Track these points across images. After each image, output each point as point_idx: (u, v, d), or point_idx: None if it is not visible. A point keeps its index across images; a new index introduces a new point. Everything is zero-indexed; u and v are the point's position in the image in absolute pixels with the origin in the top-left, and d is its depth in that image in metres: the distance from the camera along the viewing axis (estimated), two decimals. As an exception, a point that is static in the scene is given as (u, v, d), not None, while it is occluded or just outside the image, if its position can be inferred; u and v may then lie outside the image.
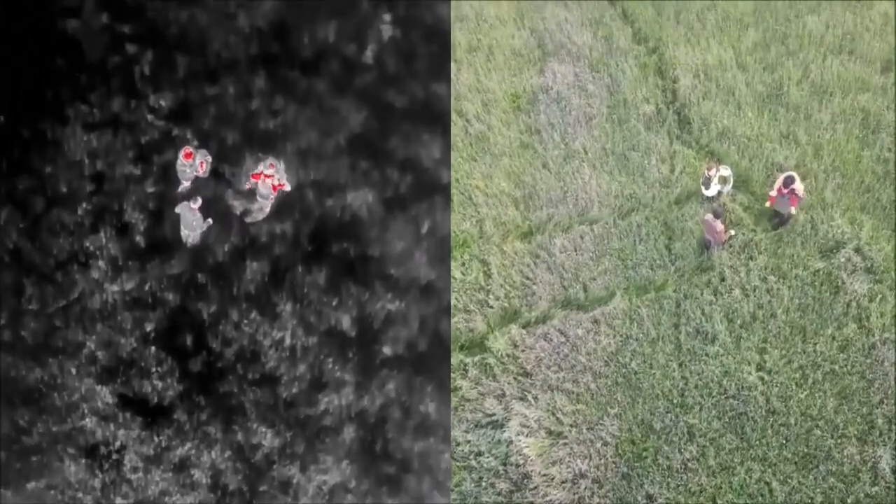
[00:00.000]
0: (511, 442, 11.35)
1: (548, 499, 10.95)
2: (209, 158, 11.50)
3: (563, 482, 11.17)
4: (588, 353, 12.35)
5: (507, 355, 12.18)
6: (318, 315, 11.14)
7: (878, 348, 12.22)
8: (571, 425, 11.74)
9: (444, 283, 11.40)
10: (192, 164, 11.29)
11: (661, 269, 13.35)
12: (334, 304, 11.19)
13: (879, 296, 12.66)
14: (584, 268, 13.26)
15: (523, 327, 12.62)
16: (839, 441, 11.53)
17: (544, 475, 11.15)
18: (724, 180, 13.58)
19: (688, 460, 11.51)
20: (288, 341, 11.09)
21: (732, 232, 13.22)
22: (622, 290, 13.11)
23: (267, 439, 10.77)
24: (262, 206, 11.60)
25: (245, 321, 11.15)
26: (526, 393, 11.91)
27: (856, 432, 11.58)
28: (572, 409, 11.85)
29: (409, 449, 10.78)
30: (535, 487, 11.08)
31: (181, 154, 11.30)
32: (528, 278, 13.13)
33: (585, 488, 11.17)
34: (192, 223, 11.12)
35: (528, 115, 15.11)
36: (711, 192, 13.61)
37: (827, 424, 11.66)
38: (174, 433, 10.82)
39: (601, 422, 11.82)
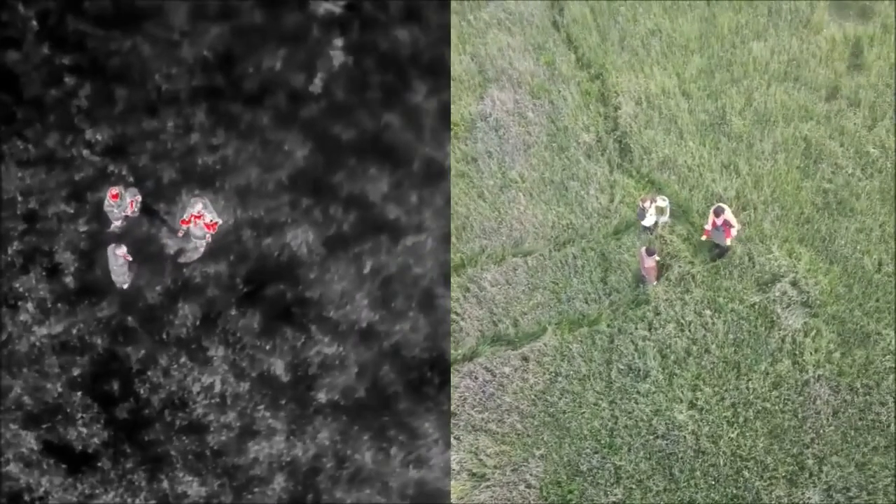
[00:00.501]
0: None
1: (466, 546, 10.76)
2: (139, 198, 11.31)
3: (482, 528, 10.98)
4: (515, 392, 12.19)
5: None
6: (250, 360, 10.99)
7: (811, 385, 12.14)
8: (495, 467, 11.57)
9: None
10: (121, 203, 11.09)
11: (596, 303, 13.22)
12: (268, 348, 11.03)
13: (814, 331, 12.59)
14: (516, 302, 13.11)
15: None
16: (768, 483, 11.42)
17: (463, 521, 10.97)
18: (660, 210, 13.40)
19: (613, 503, 11.35)
20: (218, 387, 10.94)
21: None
22: (554, 324, 12.97)
23: (193, 489, 10.59)
24: (197, 246, 11.44)
25: (174, 366, 11.01)
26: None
27: (785, 473, 11.47)
28: (496, 450, 11.68)
29: (342, 500, 10.56)
30: (454, 533, 10.89)
31: (108, 194, 11.11)
32: (456, 313, 12.96)
33: (506, 534, 10.99)
34: (116, 270, 10.96)
35: (464, 143, 14.98)
36: (648, 222, 13.45)
37: (756, 465, 11.55)
38: (98, 481, 10.66)
39: (526, 463, 11.65)
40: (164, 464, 10.65)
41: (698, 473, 11.52)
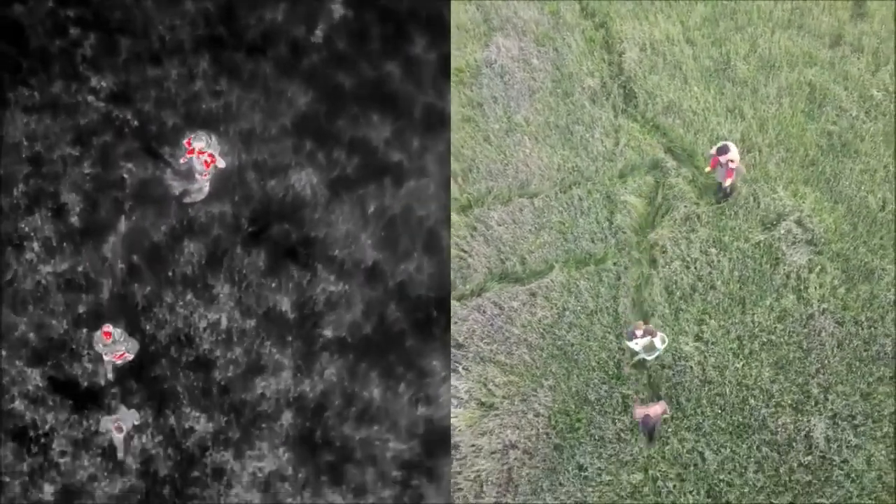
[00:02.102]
0: (440, 412, 11.57)
1: (475, 469, 11.20)
2: (130, 356, 10.91)
3: (492, 453, 11.43)
4: (523, 326, 12.63)
5: (440, 327, 12.41)
6: (256, 297, 11.29)
7: (815, 318, 12.60)
8: (503, 397, 12.00)
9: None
10: (112, 347, 10.74)
11: (602, 242, 13.66)
12: (273, 286, 11.35)
13: (819, 267, 13.05)
14: (523, 240, 13.54)
15: (457, 300, 12.88)
16: (774, 410, 11.88)
17: (473, 446, 11.41)
18: (650, 348, 11.83)
19: (621, 430, 11.82)
20: (224, 324, 11.24)
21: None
22: (561, 263, 13.41)
23: (200, 424, 10.90)
24: (202, 187, 11.74)
25: (180, 303, 11.29)
26: (457, 364, 12.16)
27: (791, 401, 11.94)
28: (505, 380, 12.12)
29: (351, 437, 10.86)
30: (464, 458, 11.33)
31: (101, 331, 10.67)
32: (463, 251, 13.40)
33: (515, 459, 11.44)
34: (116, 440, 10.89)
35: (470, 88, 15.40)
36: (632, 345, 11.96)
37: (762, 393, 12.01)
38: (102, 415, 10.94)
39: (534, 393, 12.09)
40: (171, 399, 10.97)
41: (704, 402, 11.98)
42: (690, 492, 11.23)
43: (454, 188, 14.17)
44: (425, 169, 11.49)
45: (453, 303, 12.82)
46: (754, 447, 11.59)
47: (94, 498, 10.61)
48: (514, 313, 12.70)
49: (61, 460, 10.73)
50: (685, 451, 11.59)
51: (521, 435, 11.59)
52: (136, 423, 10.76)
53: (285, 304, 11.20)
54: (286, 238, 11.44)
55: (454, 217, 13.79)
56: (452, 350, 12.31)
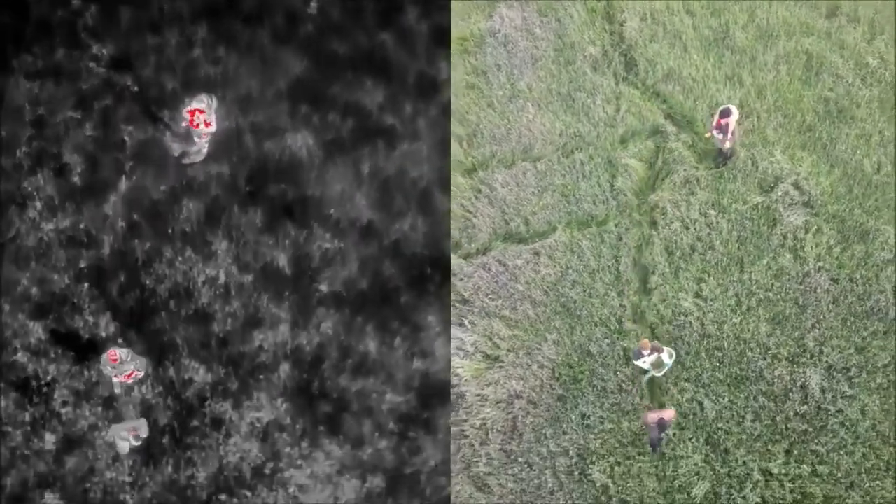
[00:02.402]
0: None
1: (481, 417, 11.59)
2: (140, 373, 11.01)
3: (497, 402, 11.83)
4: (527, 283, 13.02)
5: (446, 283, 12.81)
6: (253, 253, 11.53)
7: (811, 276, 12.99)
8: (508, 350, 12.40)
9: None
10: (120, 369, 10.78)
11: (604, 205, 14.05)
12: (270, 242, 11.59)
13: (815, 227, 13.44)
14: (526, 202, 13.92)
15: (463, 258, 13.27)
16: (770, 363, 12.29)
17: (479, 395, 11.81)
18: (658, 364, 11.93)
19: (622, 382, 12.22)
20: (222, 279, 11.53)
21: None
22: (563, 224, 13.79)
23: (199, 375, 11.15)
24: (200, 149, 12.04)
25: (179, 259, 11.57)
26: (463, 319, 12.55)
27: (787, 354, 12.34)
28: (509, 334, 12.51)
29: (347, 389, 11.13)
30: (469, 406, 11.73)
31: (107, 355, 10.67)
32: (468, 211, 13.78)
33: (520, 408, 11.84)
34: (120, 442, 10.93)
35: (474, 57, 15.76)
36: (640, 363, 12.06)
37: (759, 347, 12.42)
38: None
39: (538, 347, 12.49)
40: (170, 351, 11.21)
41: (703, 355, 12.39)
42: (690, 439, 11.63)
43: (459, 152, 14.55)
44: (418, 133, 11.73)
45: (459, 261, 13.22)
46: (751, 397, 11.99)
47: (94, 447, 10.87)
48: (518, 271, 13.09)
49: (63, 410, 10.99)
50: (685, 400, 11.99)
51: (526, 385, 11.99)
52: (145, 434, 10.90)
53: (282, 260, 11.44)
54: (283, 197, 11.63)
55: (460, 179, 14.17)
56: (458, 305, 12.71)
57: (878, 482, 11.24)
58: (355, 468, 10.79)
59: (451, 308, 12.73)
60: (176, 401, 11.15)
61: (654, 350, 11.62)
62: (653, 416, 11.36)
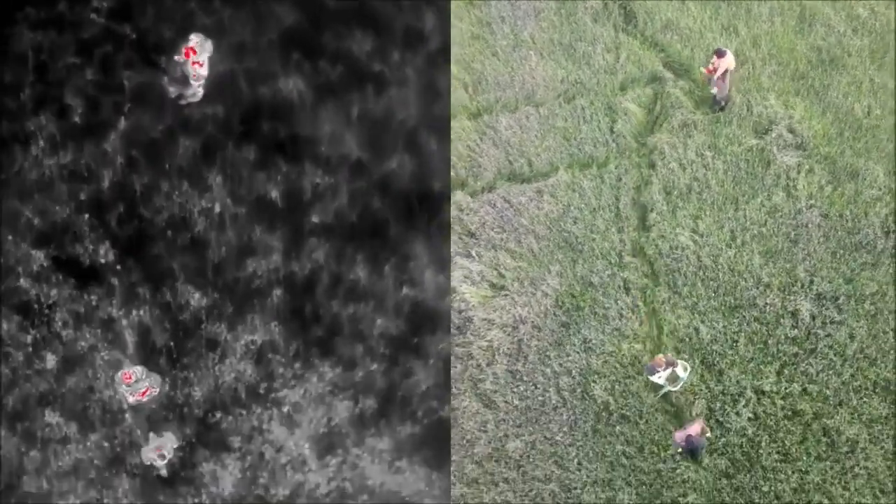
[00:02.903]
0: (454, 290, 12.61)
1: (487, 339, 12.23)
2: (156, 390, 11.25)
3: (503, 326, 12.47)
4: (531, 218, 13.66)
5: (453, 217, 13.43)
6: (247, 188, 11.67)
7: (803, 213, 13.65)
8: (514, 280, 13.04)
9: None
10: (134, 387, 11.03)
11: (604, 147, 14.69)
12: (263, 177, 11.71)
13: (807, 167, 14.09)
14: (529, 144, 14.55)
15: (470, 195, 13.91)
16: (763, 291, 12.96)
17: (485, 319, 12.45)
18: (673, 378, 11.98)
19: (622, 309, 12.88)
20: (217, 209, 11.68)
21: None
22: (565, 165, 14.43)
23: (195, 300, 11.46)
24: (196, 92, 12.50)
25: (176, 192, 11.70)
26: (470, 250, 13.20)
27: (778, 284, 13.00)
28: (514, 265, 13.16)
29: (339, 314, 11.37)
30: (476, 330, 12.38)
31: (121, 375, 11.00)
32: (474, 152, 14.41)
33: (524, 332, 12.49)
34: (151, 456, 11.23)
35: (479, 9, 16.35)
36: (655, 379, 12.02)
37: (752, 277, 13.07)
38: (105, 293, 11.46)
39: (542, 278, 13.13)
40: (167, 277, 11.52)
41: (699, 285, 13.04)
42: (686, 360, 12.29)
43: (465, 97, 15.16)
44: (406, 79, 11.95)
45: (466, 197, 13.86)
46: (745, 323, 12.65)
47: (94, 367, 11.28)
48: (522, 208, 13.73)
49: (63, 332, 11.39)
50: (682, 326, 12.65)
51: (531, 311, 12.64)
52: (175, 446, 11.16)
53: (274, 193, 11.70)
54: (275, 135, 11.83)
55: (465, 123, 14.80)
56: (465, 238, 13.35)
57: (864, 400, 11.90)
58: (348, 389, 11.21)
59: (459, 240, 13.41)
60: (173, 323, 11.46)
61: (668, 365, 11.62)
62: (680, 436, 11.22)
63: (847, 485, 11.20)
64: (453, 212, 13.60)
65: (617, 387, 12.12)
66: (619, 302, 12.91)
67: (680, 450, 11.40)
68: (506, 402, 12.00)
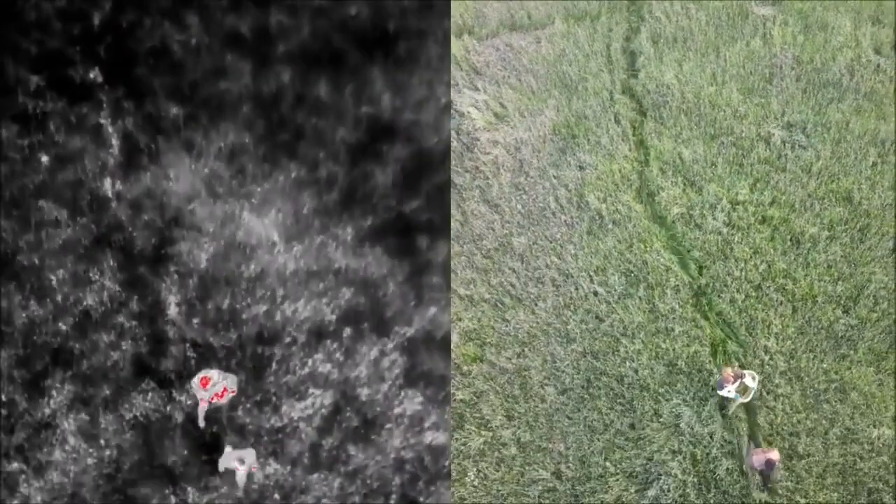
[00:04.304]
0: (463, 114, 14.23)
1: (493, 155, 13.88)
2: (234, 390, 11.46)
3: (506, 146, 14.11)
4: (530, 60, 15.23)
5: (460, 57, 15.00)
6: (219, 25, 12.06)
7: (778, 56, 15.29)
8: (515, 111, 14.65)
9: None
10: (211, 390, 11.34)
11: (596, 3, 16.22)
12: (234, 17, 12.18)
13: (781, 19, 15.70)
14: (528, -1, 16.11)
15: (476, 40, 15.47)
16: (740, 121, 14.61)
17: (491, 140, 14.07)
18: (744, 390, 11.71)
19: (613, 136, 14.53)
20: (193, 42, 12.08)
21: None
22: (561, 17, 15.97)
23: (174, 111, 12.11)
24: None
25: (158, 27, 12.90)
26: (475, 83, 14.78)
27: (754, 115, 14.66)
28: (516, 98, 14.75)
29: (303, 124, 11.86)
30: (483, 148, 14.01)
31: (197, 379, 11.43)
32: (479, 3, 15.92)
33: (525, 153, 14.14)
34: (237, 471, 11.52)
35: None
36: (725, 394, 11.76)
37: (730, 110, 14.73)
38: (93, 106, 12.19)
39: (541, 111, 14.75)
40: (149, 93, 12.06)
41: (682, 117, 14.68)
42: (671, 178, 13.98)
43: (469, -42, 16.67)
44: None
45: (473, 41, 15.41)
46: (723, 147, 14.33)
47: (83, 164, 12.04)
48: (522, 51, 15.29)
49: (56, 136, 12.12)
50: (666, 151, 14.32)
51: (531, 136, 14.28)
52: (254, 461, 11.40)
53: (244, 28, 12.12)
54: None
55: (470, -22, 16.32)
56: (472, 73, 14.93)
57: (826, 207, 13.62)
58: (312, 184, 12.00)
59: (466, 75, 14.97)
60: (154, 129, 12.20)
61: (736, 378, 11.52)
62: (759, 459, 11.03)
63: (808, 271, 13.00)
64: (460, 52, 15.15)
65: (609, 198, 13.81)
66: (610, 131, 14.56)
67: (752, 471, 11.25)
68: (510, 207, 13.67)
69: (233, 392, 11.36)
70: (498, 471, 11.20)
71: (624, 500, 10.77)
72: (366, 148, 12.40)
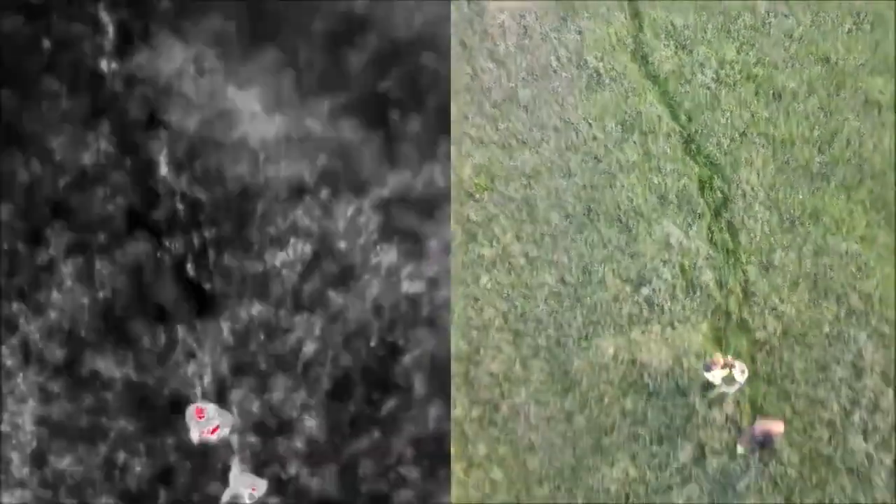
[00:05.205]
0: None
1: (498, 21, 15.19)
2: (226, 430, 11.30)
3: (511, 13, 15.40)
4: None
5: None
6: None
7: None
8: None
9: None
10: (206, 424, 11.22)
11: None
12: None
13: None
14: None
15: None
16: None
17: (498, 8, 15.36)
18: (729, 379, 11.88)
19: (610, 6, 15.79)
20: None
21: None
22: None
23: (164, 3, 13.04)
24: None
25: None
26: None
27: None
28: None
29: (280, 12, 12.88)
30: (489, 13, 15.31)
31: (192, 409, 11.26)
32: None
33: (529, 20, 15.42)
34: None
35: None
36: (709, 376, 11.93)
37: None
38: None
39: None
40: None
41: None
42: (663, 41, 15.30)
43: None
44: None
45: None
46: (712, 16, 15.59)
47: (81, 47, 12.91)
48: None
49: (56, 24, 12.91)
50: (659, 18, 15.61)
51: (534, 4, 15.56)
52: (264, 492, 11.18)
53: None
54: None
55: None
56: None
57: (806, 67, 15.01)
58: (292, 66, 12.85)
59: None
60: (146, 19, 13.01)
61: (725, 364, 11.66)
62: (759, 429, 11.38)
63: (788, 119, 14.40)
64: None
65: (606, 57, 15.13)
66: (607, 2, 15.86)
67: (749, 444, 11.68)
68: (515, 65, 14.98)
69: (226, 431, 11.05)
70: (508, 277, 12.65)
71: (621, 297, 12.25)
72: (342, 36, 12.79)
